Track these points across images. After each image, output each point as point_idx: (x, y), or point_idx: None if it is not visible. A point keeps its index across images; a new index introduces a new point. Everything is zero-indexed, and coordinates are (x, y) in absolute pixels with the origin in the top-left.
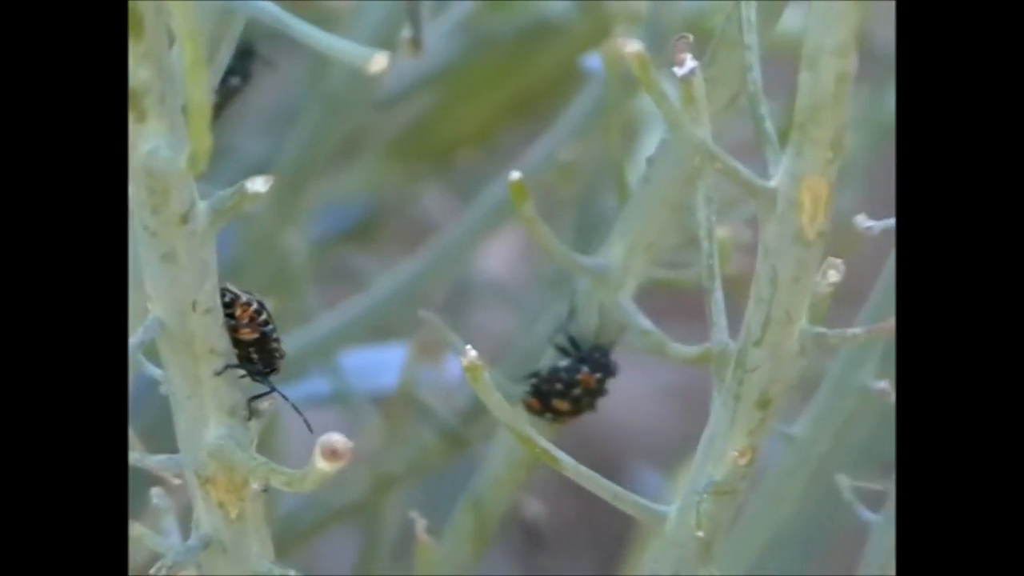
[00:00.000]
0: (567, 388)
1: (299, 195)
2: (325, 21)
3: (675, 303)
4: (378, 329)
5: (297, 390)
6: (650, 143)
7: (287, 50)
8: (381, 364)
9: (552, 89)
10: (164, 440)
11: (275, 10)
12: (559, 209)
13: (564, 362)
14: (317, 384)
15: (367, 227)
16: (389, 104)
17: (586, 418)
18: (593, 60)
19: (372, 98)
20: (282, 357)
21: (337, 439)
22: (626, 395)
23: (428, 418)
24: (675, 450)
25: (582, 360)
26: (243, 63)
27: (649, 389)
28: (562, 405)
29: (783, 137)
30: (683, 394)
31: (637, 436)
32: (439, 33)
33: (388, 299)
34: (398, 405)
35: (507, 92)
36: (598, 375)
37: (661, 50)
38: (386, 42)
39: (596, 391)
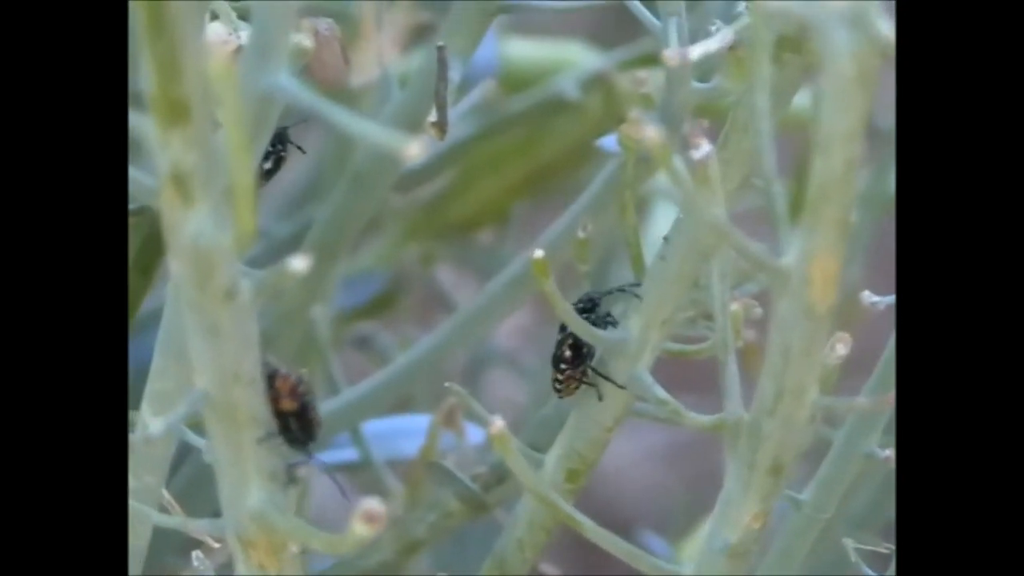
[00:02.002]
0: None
1: (326, 271)
2: (348, 101)
3: (677, 371)
4: (399, 399)
5: (324, 456)
6: (660, 217)
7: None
8: (403, 432)
9: (566, 166)
10: (197, 503)
11: (314, 97)
12: (574, 284)
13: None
14: (343, 451)
15: (385, 300)
16: (407, 182)
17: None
18: (608, 140)
19: (396, 176)
20: (320, 426)
21: (374, 504)
22: (618, 459)
23: (450, 483)
24: (667, 511)
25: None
26: (275, 147)
27: (639, 452)
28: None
29: (792, 210)
30: (673, 456)
31: (631, 498)
32: (457, 112)
33: (409, 371)
34: (420, 471)
35: (522, 169)
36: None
37: (673, 130)
38: (410, 124)
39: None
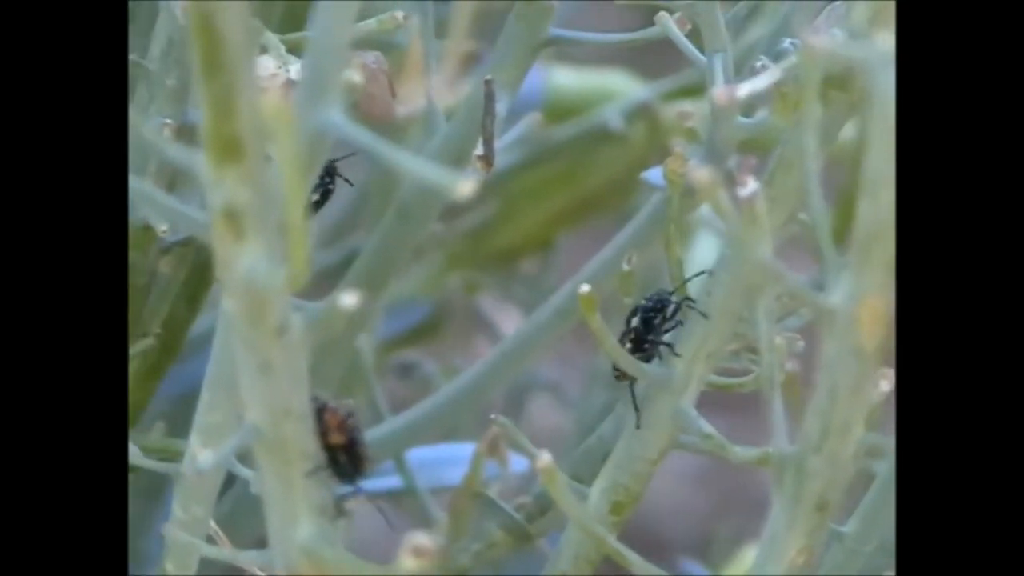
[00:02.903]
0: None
1: (372, 302)
2: (394, 133)
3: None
4: (444, 427)
5: (369, 485)
6: (704, 246)
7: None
8: (447, 460)
9: (610, 196)
10: (239, 529)
11: (367, 135)
12: (619, 315)
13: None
14: (388, 479)
15: (429, 328)
16: (452, 210)
17: None
18: (653, 174)
19: (442, 207)
20: (369, 460)
21: (423, 538)
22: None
23: (494, 513)
24: (701, 531)
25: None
26: (323, 179)
27: (673, 472)
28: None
29: (835, 238)
30: (706, 476)
31: (665, 519)
32: (503, 143)
33: (453, 400)
34: (464, 500)
35: (566, 199)
36: (642, 302)
37: (718, 165)
38: (457, 156)
39: (628, 318)
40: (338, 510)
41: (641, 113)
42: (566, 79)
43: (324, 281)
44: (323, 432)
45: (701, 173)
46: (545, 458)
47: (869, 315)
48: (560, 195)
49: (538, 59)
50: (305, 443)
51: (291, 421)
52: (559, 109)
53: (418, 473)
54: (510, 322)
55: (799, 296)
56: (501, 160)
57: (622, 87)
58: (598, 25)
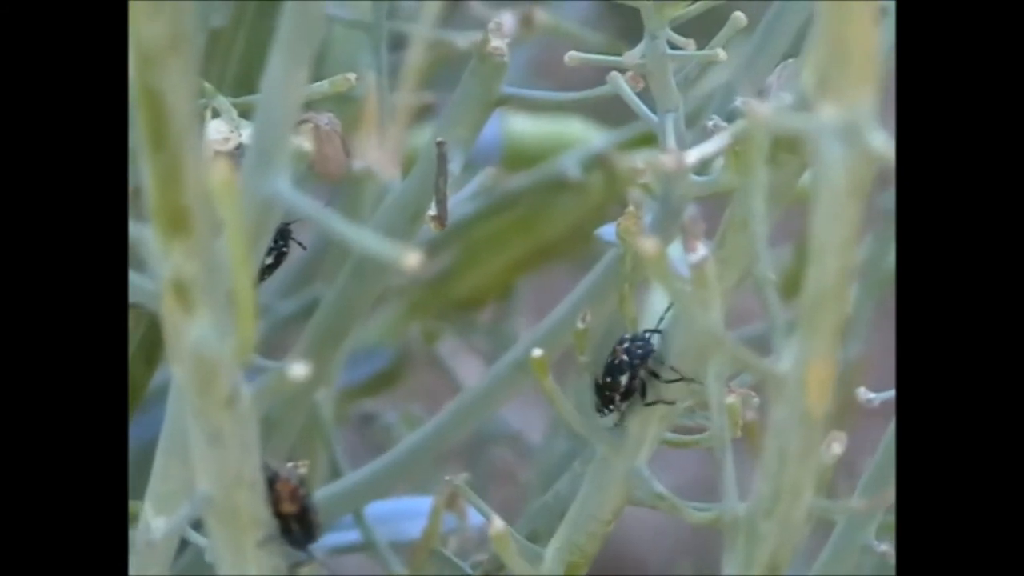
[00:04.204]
0: (607, 356)
1: (330, 355)
2: (351, 188)
3: None
4: (406, 479)
5: (327, 540)
6: (661, 297)
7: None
8: (407, 514)
9: (569, 243)
10: None
11: (314, 206)
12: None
13: (627, 335)
14: (347, 533)
15: (389, 377)
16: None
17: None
18: (608, 230)
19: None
20: (320, 528)
21: None
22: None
23: (451, 570)
24: (675, 552)
25: (631, 339)
26: (277, 243)
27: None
28: (599, 378)
29: (791, 281)
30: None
31: (640, 539)
32: (460, 195)
33: (412, 453)
34: (422, 555)
35: (525, 246)
36: (624, 358)
37: (672, 220)
38: (412, 213)
39: (615, 373)
40: None
41: (599, 161)
42: (524, 127)
43: (286, 330)
44: (275, 501)
45: (646, 242)
46: (497, 524)
47: (816, 381)
48: (519, 243)
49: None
50: (257, 511)
51: (242, 490)
52: (517, 157)
53: (377, 527)
54: (471, 370)
55: (747, 363)
56: (460, 209)
57: (580, 135)
58: (560, 74)
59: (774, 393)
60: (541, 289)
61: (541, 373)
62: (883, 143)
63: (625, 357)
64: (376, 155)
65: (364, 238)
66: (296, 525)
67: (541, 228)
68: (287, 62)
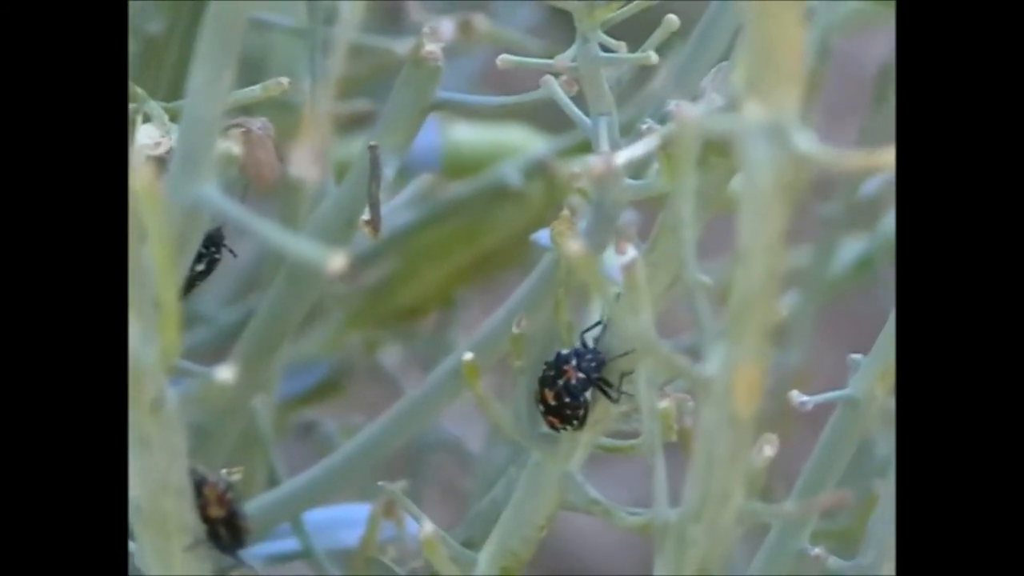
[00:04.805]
0: (555, 378)
1: (265, 364)
2: (286, 196)
3: None
4: (343, 488)
5: (265, 548)
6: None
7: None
8: (345, 521)
9: (511, 252)
10: None
11: (239, 211)
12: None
13: (566, 351)
14: (284, 542)
15: (329, 387)
16: (351, 269)
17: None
18: (543, 235)
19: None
20: (249, 532)
21: None
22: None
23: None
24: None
25: (577, 355)
26: (209, 249)
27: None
28: (548, 397)
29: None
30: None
31: (598, 550)
32: (399, 202)
33: (351, 460)
34: (360, 562)
35: (467, 256)
36: (580, 375)
37: (606, 226)
38: (347, 219)
39: (575, 393)
40: None
41: (540, 169)
42: (466, 135)
43: (227, 339)
44: (203, 505)
45: (572, 244)
46: (427, 528)
47: (744, 384)
48: (460, 252)
49: (435, 117)
50: (184, 517)
51: (169, 495)
52: (459, 166)
53: (315, 535)
54: (412, 380)
55: (674, 367)
56: (401, 218)
57: (523, 143)
58: (507, 84)
59: (702, 397)
60: (483, 298)
61: (472, 378)
62: (808, 143)
63: (581, 375)
64: (301, 160)
65: (289, 242)
66: (224, 530)
67: (483, 237)
68: (210, 67)
